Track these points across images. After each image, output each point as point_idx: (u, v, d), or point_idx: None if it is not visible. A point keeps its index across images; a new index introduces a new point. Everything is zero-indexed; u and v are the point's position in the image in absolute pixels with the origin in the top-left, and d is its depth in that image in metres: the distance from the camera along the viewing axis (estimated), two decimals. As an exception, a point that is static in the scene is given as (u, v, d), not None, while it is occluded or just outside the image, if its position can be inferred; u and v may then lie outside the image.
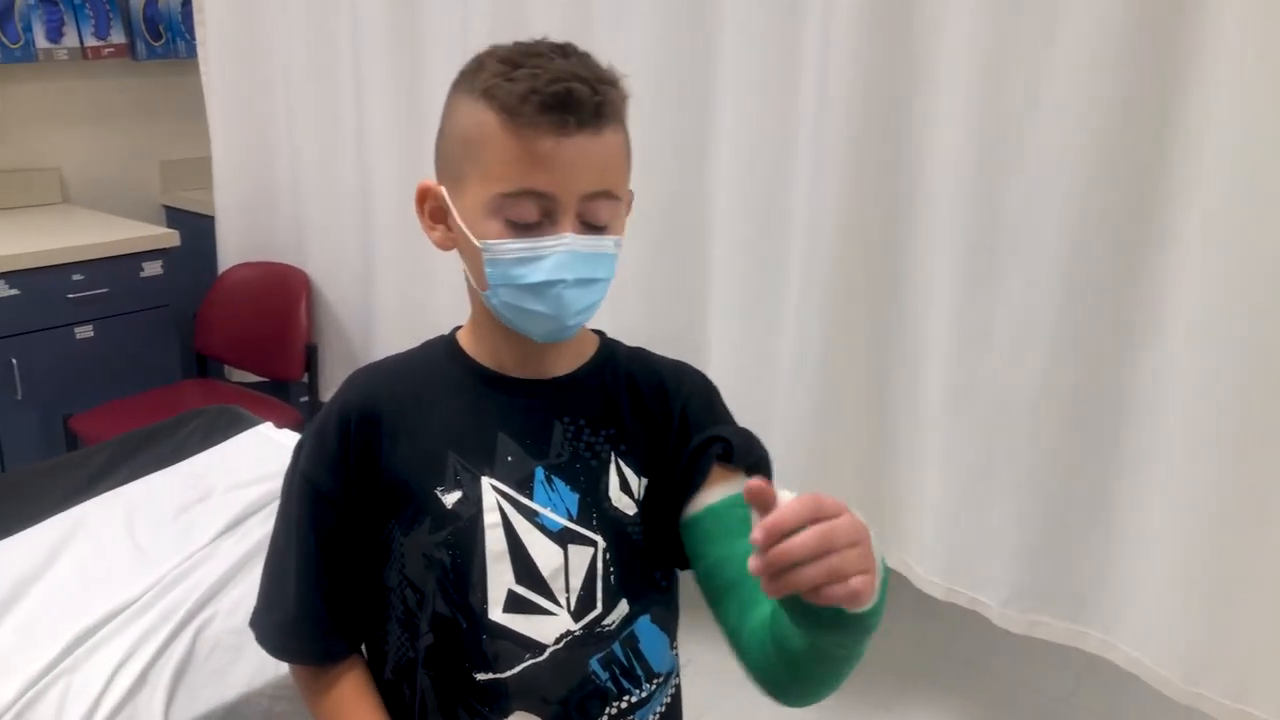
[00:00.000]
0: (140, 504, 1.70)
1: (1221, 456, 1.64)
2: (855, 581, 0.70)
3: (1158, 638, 1.78)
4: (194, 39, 3.17)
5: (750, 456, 1.03)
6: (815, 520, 0.70)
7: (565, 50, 0.95)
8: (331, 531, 1.03)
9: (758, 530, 0.70)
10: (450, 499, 1.00)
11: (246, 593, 1.49)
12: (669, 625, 1.04)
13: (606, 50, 2.40)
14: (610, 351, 1.08)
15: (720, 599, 0.97)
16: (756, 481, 0.73)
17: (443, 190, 0.98)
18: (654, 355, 1.11)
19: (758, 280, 2.20)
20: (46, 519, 1.67)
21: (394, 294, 2.81)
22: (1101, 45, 1.65)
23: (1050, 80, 1.72)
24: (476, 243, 0.94)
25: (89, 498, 1.73)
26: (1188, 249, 1.65)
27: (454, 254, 1.01)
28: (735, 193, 2.18)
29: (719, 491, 1.00)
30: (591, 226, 0.94)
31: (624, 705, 1.01)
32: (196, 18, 3.09)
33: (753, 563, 0.70)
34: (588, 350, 1.07)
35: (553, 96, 0.89)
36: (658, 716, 1.04)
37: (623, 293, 2.36)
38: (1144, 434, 1.75)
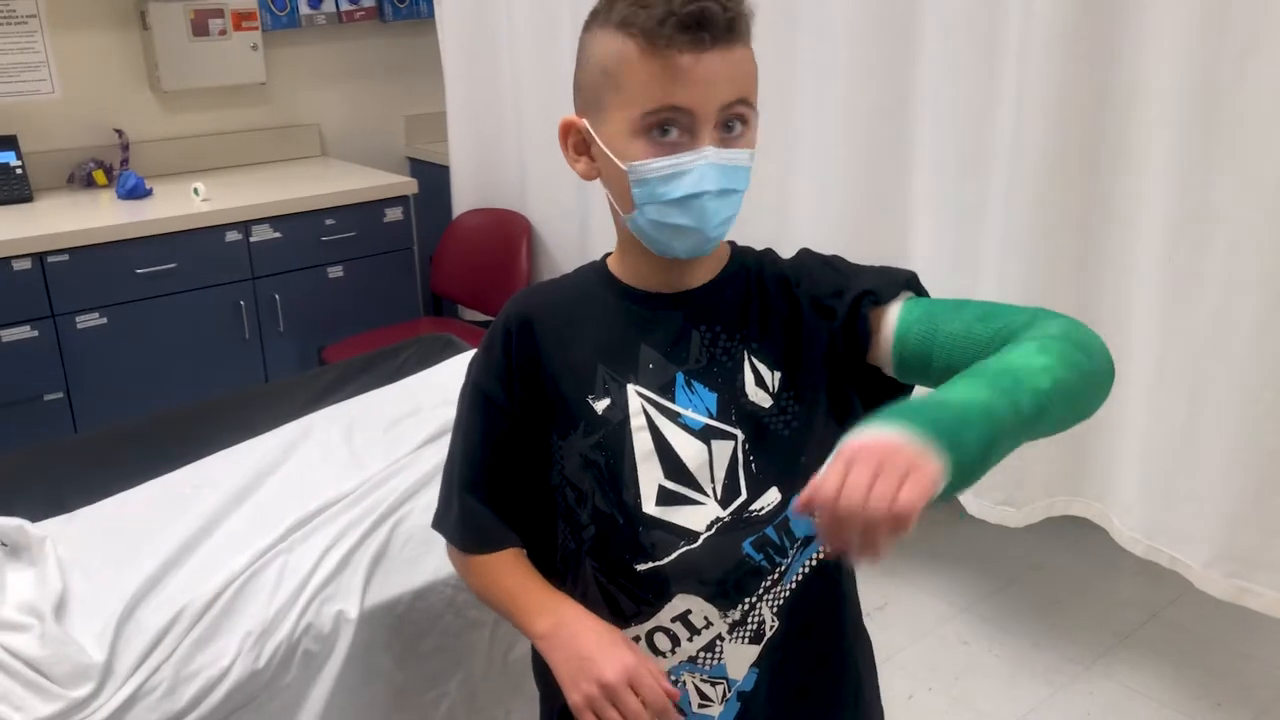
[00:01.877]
0: (359, 416, 1.90)
1: None
2: (901, 507, 0.76)
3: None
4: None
5: (896, 286, 1.06)
6: (845, 471, 0.79)
7: None
8: (500, 435, 1.14)
9: (800, 505, 0.80)
10: (600, 406, 1.09)
11: (440, 496, 1.64)
12: None
13: None
14: (741, 260, 1.13)
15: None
16: (802, 500, 0.82)
17: (585, 123, 1.04)
18: (778, 255, 1.15)
19: (960, 228, 2.14)
20: (285, 424, 1.91)
21: (606, 237, 2.92)
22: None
23: (1264, 28, 1.58)
24: (622, 165, 1.00)
25: (319, 409, 1.96)
26: None
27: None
28: (939, 116, 2.13)
29: (891, 317, 1.04)
30: (729, 138, 0.99)
31: (775, 576, 1.07)
32: (435, -22, 3.31)
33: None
34: (720, 262, 1.12)
35: (689, 16, 0.94)
36: (800, 578, 1.09)
37: (824, 222, 2.36)
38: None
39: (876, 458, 0.78)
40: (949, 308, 1.04)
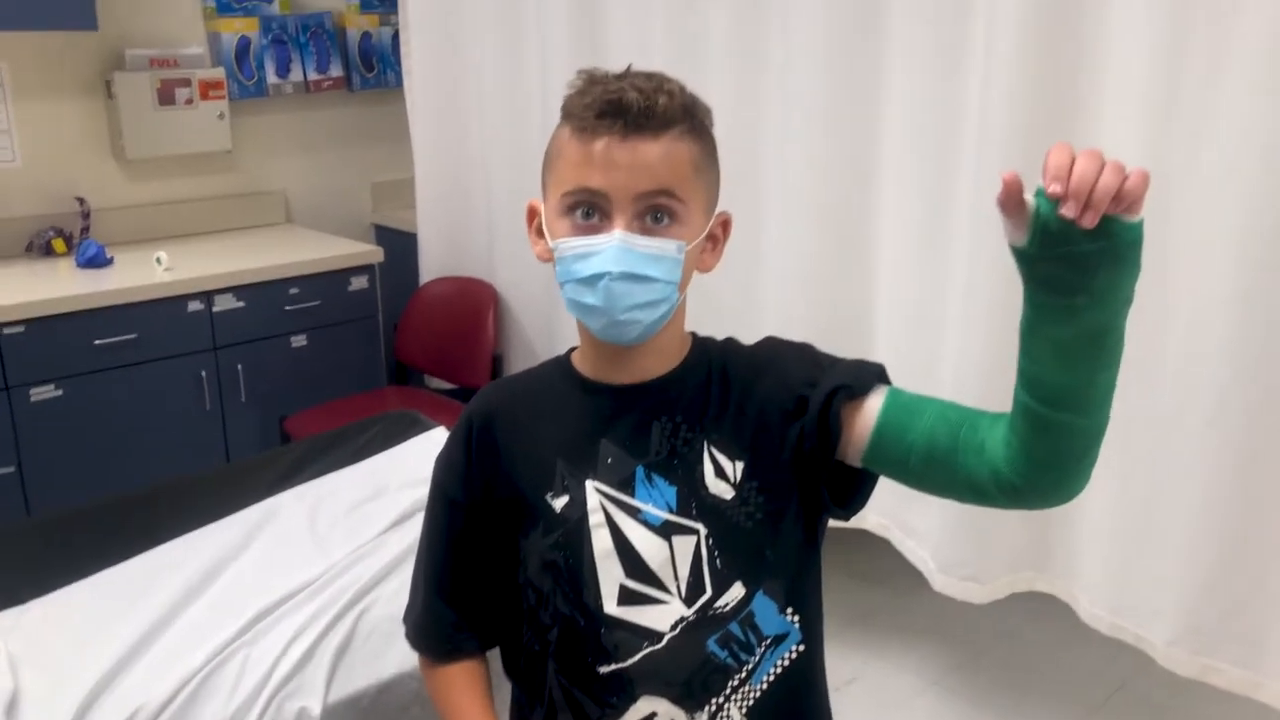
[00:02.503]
0: (323, 498, 1.88)
1: None
2: (1135, 171, 0.80)
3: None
4: (402, 69, 3.42)
5: (869, 379, 1.06)
6: (1072, 151, 0.80)
7: (649, 75, 1.02)
8: (461, 536, 1.14)
9: (1053, 185, 0.79)
10: (559, 503, 1.08)
11: (406, 582, 1.60)
12: (778, 594, 1.08)
13: (776, 57, 2.42)
14: (702, 350, 1.14)
15: (954, 455, 1.00)
16: (1009, 182, 0.82)
17: (540, 204, 1.08)
18: (742, 344, 1.16)
19: (921, 295, 2.17)
20: (246, 508, 1.87)
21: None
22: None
23: (1220, 93, 1.63)
24: (550, 243, 1.03)
25: (282, 490, 1.93)
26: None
27: None
28: (902, 197, 2.16)
29: (870, 410, 1.03)
30: (652, 228, 1.00)
31: (743, 674, 1.06)
32: (404, 49, 3.33)
33: (1069, 210, 0.80)
34: (681, 352, 1.12)
35: (607, 103, 0.98)
36: (773, 678, 1.07)
37: (790, 293, 2.37)
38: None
39: (1092, 149, 0.80)
40: (921, 398, 1.05)
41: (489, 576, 1.13)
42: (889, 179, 2.19)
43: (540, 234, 1.09)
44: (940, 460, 1.00)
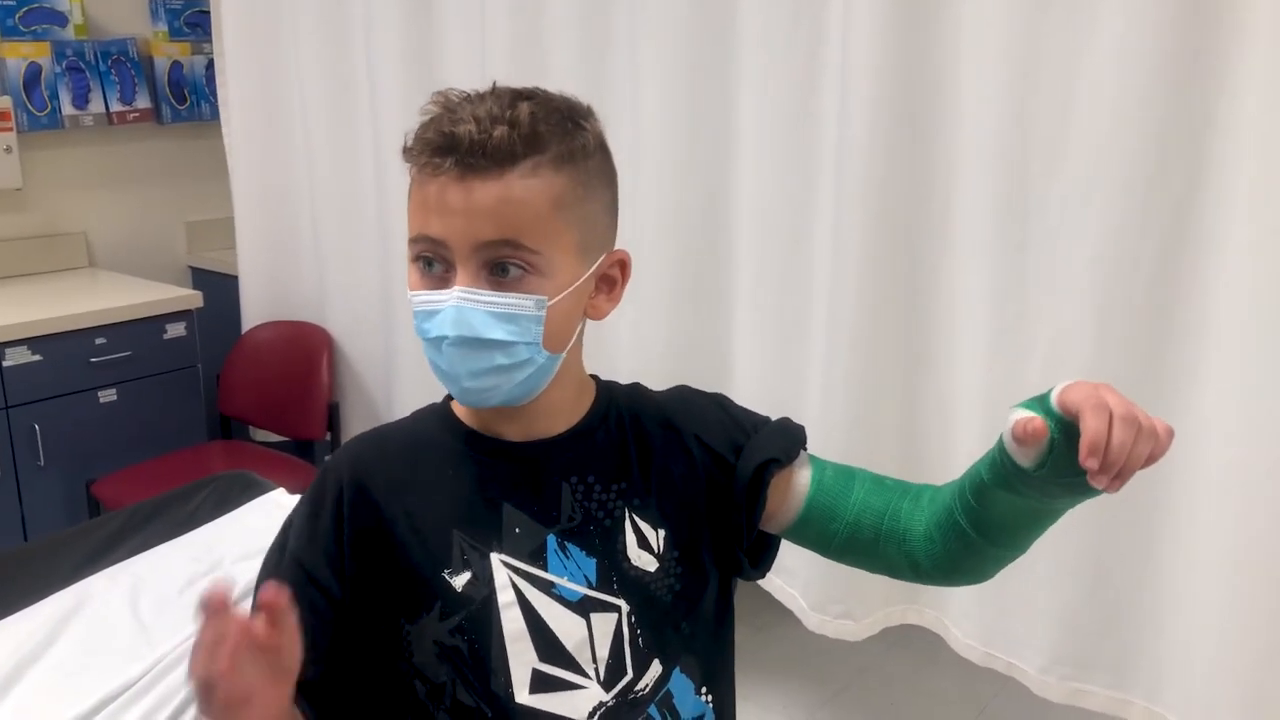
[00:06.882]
0: (147, 578, 1.65)
1: (1271, 514, 1.55)
2: (1163, 432, 0.80)
3: (1204, 708, 1.67)
4: (217, 101, 3.19)
5: (796, 445, 1.04)
6: (1109, 415, 0.77)
7: (505, 94, 0.89)
8: (324, 623, 0.96)
9: (1089, 459, 0.77)
10: (459, 581, 0.94)
11: (250, 672, 1.43)
12: (694, 671, 1.00)
13: (626, 72, 2.34)
14: (609, 397, 1.03)
15: (877, 544, 1.01)
16: (1023, 426, 0.81)
17: None
18: (651, 391, 1.07)
19: (781, 316, 2.12)
20: (54, 593, 1.63)
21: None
22: (1131, 86, 1.60)
23: (1081, 95, 1.65)
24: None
25: (97, 570, 1.69)
26: (1228, 286, 1.57)
27: None
28: (758, 212, 2.11)
29: (798, 486, 1.02)
30: (501, 281, 0.88)
31: None
32: (219, 80, 3.11)
33: (1099, 482, 0.78)
34: (586, 401, 1.01)
35: (440, 136, 0.86)
36: None
37: (649, 313, 2.29)
38: (1188, 490, 1.66)
39: (1127, 409, 0.79)
40: (843, 473, 1.04)
41: (350, 667, 0.97)
42: (745, 198, 2.14)
43: None
44: (862, 547, 1.01)
